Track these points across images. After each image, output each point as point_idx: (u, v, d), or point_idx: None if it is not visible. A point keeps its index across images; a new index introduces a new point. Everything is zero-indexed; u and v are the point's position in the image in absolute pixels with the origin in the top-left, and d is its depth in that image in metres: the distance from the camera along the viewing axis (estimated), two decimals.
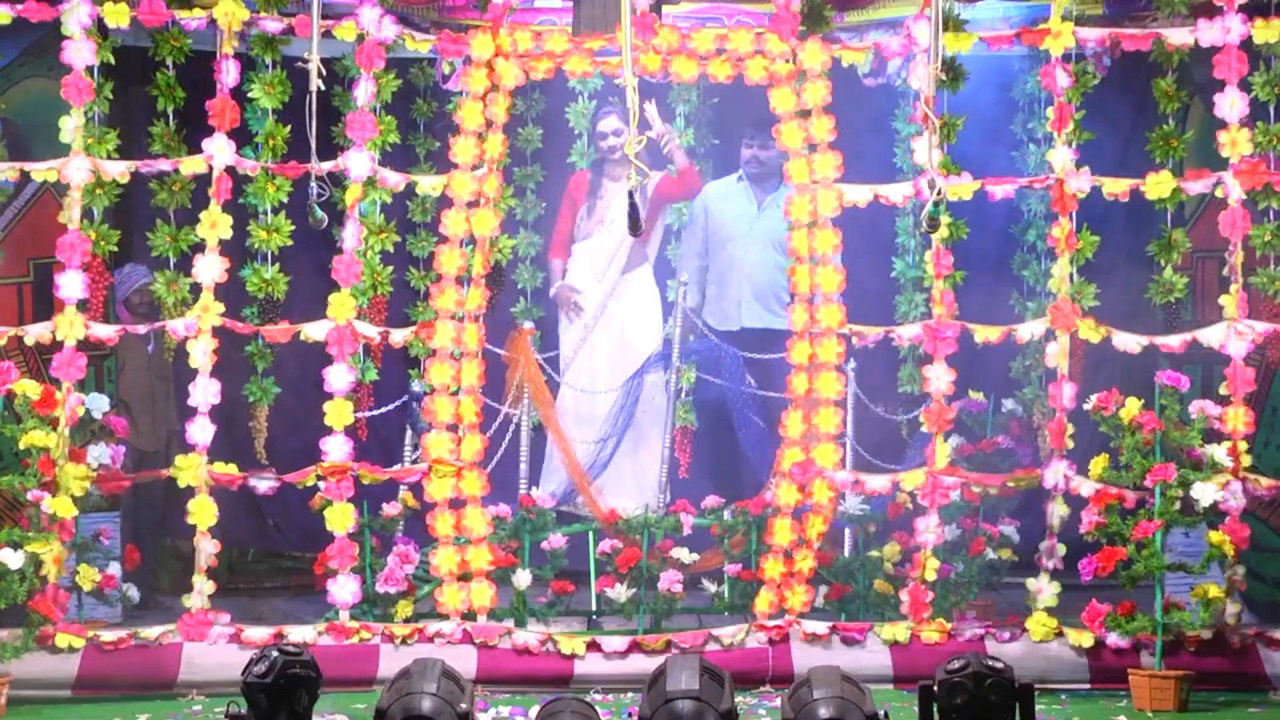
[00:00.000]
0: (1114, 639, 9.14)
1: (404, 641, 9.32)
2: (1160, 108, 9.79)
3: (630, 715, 7.83)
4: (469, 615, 9.50)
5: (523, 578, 9.67)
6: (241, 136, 9.77)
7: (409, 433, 10.74)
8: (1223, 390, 9.38)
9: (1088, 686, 9.26)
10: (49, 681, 9.11)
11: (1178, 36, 9.52)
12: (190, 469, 9.42)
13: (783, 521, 9.63)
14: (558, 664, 9.33)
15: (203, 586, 9.36)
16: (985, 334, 9.73)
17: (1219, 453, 9.16)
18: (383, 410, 11.03)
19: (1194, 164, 9.82)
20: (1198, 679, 8.97)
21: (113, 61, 9.68)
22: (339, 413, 9.52)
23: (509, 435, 10.79)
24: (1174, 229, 9.82)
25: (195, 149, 9.65)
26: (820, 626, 9.44)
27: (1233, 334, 9.42)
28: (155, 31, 9.69)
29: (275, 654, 4.75)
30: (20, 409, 9.21)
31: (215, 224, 9.50)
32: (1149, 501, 9.09)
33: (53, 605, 9.13)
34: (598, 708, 4.74)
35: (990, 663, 4.60)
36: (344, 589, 9.41)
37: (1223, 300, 9.52)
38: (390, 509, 9.91)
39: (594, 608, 9.96)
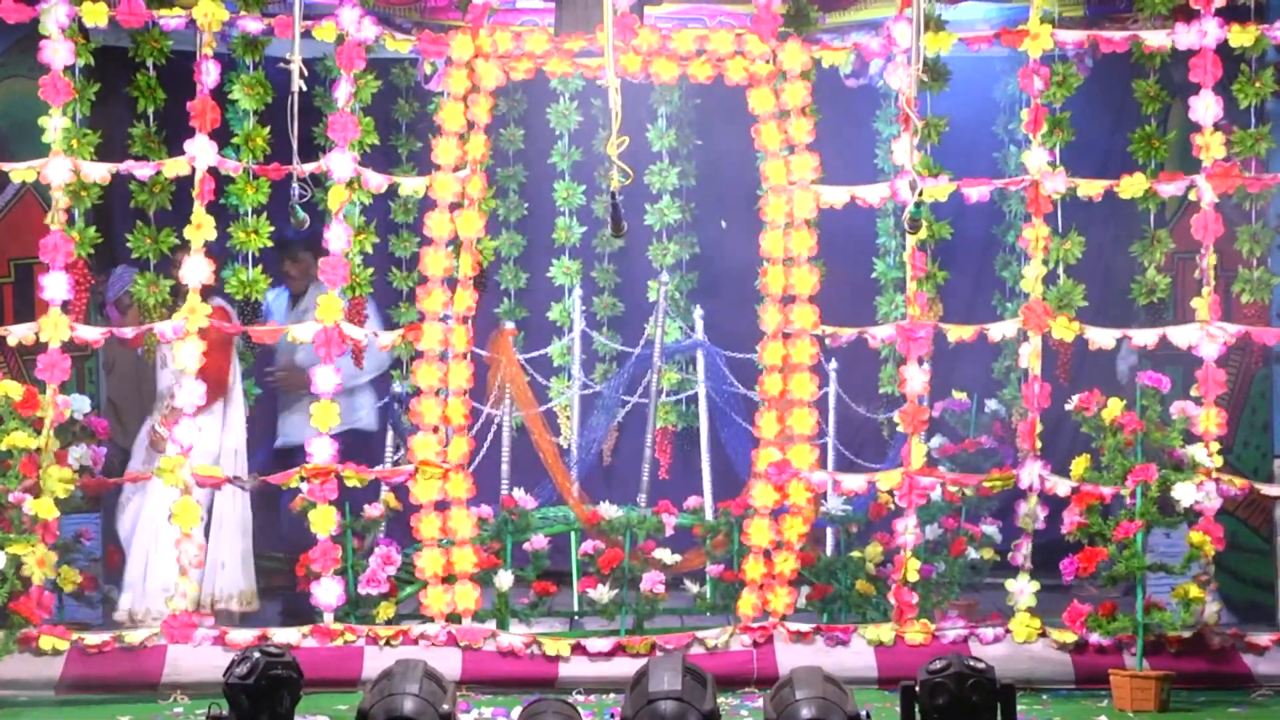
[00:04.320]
0: (1096, 638, 9.17)
1: (388, 643, 9.29)
2: (1142, 109, 9.81)
3: (613, 716, 7.83)
4: (453, 617, 9.49)
5: (505, 579, 9.65)
6: (222, 137, 9.73)
7: (390, 433, 10.73)
8: (1194, 392, 9.40)
9: (1072, 686, 9.26)
10: (32, 683, 9.09)
11: (1155, 39, 9.56)
12: (173, 470, 9.38)
13: (760, 522, 9.62)
14: (542, 667, 9.33)
15: (186, 589, 9.33)
16: (958, 333, 9.73)
17: (1199, 453, 9.19)
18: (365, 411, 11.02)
19: (1176, 164, 9.84)
20: (1179, 679, 8.99)
21: (92, 63, 9.64)
22: (325, 415, 9.48)
23: (491, 436, 10.79)
24: (1157, 229, 9.84)
25: (175, 150, 9.60)
26: (805, 627, 9.44)
27: (1205, 336, 9.44)
28: (135, 32, 9.65)
29: (257, 655, 4.75)
30: (2, 410, 9.18)
31: (200, 225, 9.46)
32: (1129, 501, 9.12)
33: (36, 608, 9.10)
34: (580, 709, 4.75)
35: (972, 663, 4.61)
36: (328, 591, 9.39)
37: (1194, 303, 9.54)
38: (372, 510, 9.89)
39: (576, 608, 9.96)
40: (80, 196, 9.49)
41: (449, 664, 9.04)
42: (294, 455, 10.03)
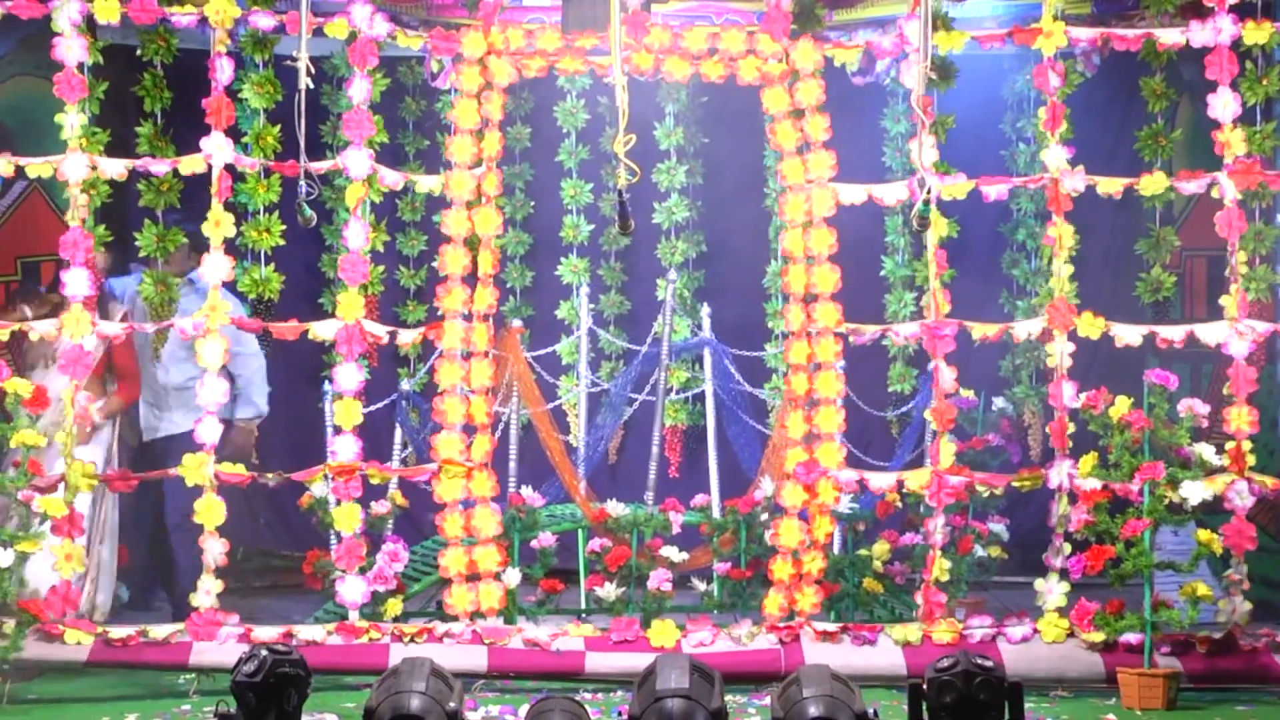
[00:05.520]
0: (1128, 637, 9.09)
1: (413, 641, 9.26)
2: (1149, 106, 9.78)
3: (620, 714, 7.84)
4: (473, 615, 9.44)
5: (512, 576, 9.65)
6: (230, 136, 9.70)
7: (399, 431, 10.73)
8: (1226, 390, 9.35)
9: (1103, 685, 9.14)
10: (58, 664, 9.14)
11: (1169, 36, 9.51)
12: (197, 468, 9.36)
13: (790, 522, 9.51)
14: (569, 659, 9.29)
15: (210, 586, 9.29)
16: (983, 331, 9.63)
17: (1207, 451, 9.16)
18: (371, 409, 11.01)
19: (1182, 163, 9.82)
20: (1210, 678, 8.95)
21: (101, 62, 9.62)
22: (348, 412, 9.44)
23: (498, 434, 10.79)
24: (1163, 227, 9.81)
25: (182, 149, 9.57)
26: (832, 627, 9.37)
27: (1234, 334, 9.39)
28: (142, 31, 9.64)
29: (264, 653, 4.76)
30: (11, 408, 9.18)
31: (219, 223, 9.39)
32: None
33: (63, 602, 9.11)
34: (587, 706, 4.75)
35: (979, 661, 4.62)
36: (353, 589, 9.34)
37: (1223, 300, 9.48)
38: (379, 507, 9.88)
39: (583, 606, 9.96)
40: (90, 195, 9.46)
41: (475, 661, 9.08)
42: (159, 449, 10.19)
